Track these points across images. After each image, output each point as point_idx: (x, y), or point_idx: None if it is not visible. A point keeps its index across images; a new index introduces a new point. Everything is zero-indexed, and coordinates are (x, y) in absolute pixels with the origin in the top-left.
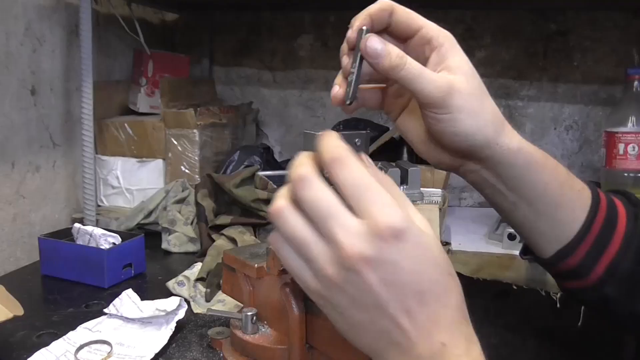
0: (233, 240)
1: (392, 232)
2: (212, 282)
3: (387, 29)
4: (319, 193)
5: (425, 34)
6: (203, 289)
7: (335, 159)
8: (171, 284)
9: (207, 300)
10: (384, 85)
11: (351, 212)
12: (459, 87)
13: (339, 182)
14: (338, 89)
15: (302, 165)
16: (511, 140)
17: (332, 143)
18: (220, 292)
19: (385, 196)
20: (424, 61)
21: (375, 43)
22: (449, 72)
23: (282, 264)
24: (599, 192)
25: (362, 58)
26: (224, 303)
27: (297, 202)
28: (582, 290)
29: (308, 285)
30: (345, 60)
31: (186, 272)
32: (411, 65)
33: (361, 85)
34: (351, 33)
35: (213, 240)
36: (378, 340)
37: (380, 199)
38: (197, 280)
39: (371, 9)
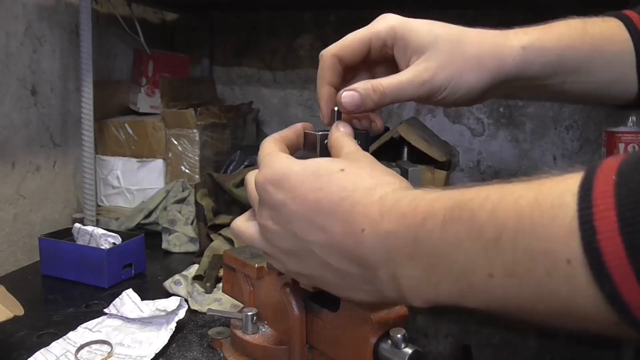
0: (230, 241)
1: (282, 171)
2: (211, 275)
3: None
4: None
5: (373, 47)
6: (200, 288)
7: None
8: (168, 283)
9: (208, 293)
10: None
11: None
12: (435, 66)
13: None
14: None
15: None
16: (520, 41)
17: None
18: (217, 289)
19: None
20: (393, 63)
21: (349, 97)
22: (417, 57)
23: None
24: (622, 13)
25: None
26: (220, 302)
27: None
28: None
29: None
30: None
31: (183, 272)
32: (389, 84)
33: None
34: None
35: (212, 240)
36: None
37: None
38: (194, 278)
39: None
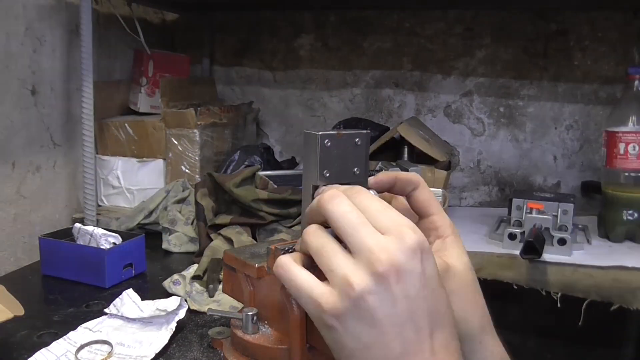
0: (230, 241)
1: (420, 246)
2: (212, 277)
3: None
4: (350, 207)
5: (435, 220)
6: (199, 287)
7: (350, 190)
8: (167, 283)
9: (211, 296)
10: None
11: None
12: (455, 272)
13: (358, 205)
14: None
15: (332, 190)
16: (494, 346)
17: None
18: (216, 290)
19: (403, 218)
20: None
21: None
22: (449, 260)
23: (290, 286)
24: None
25: None
26: (219, 303)
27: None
28: None
29: (321, 301)
30: None
31: (182, 272)
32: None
33: None
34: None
35: (211, 240)
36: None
37: (401, 219)
38: (193, 278)
39: (401, 174)
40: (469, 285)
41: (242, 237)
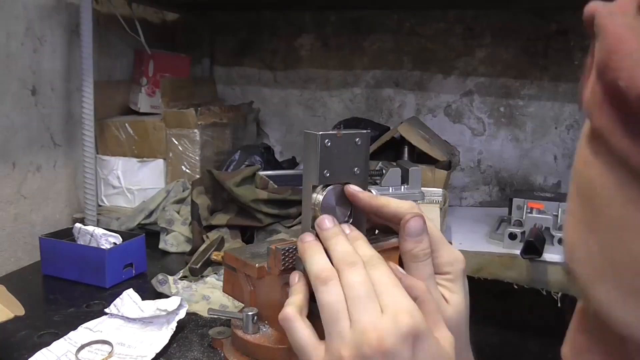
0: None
1: (413, 332)
2: (200, 258)
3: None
4: (362, 278)
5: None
6: (188, 283)
7: (371, 260)
8: (154, 282)
9: (195, 275)
10: None
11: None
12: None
13: (372, 276)
14: None
15: (349, 255)
16: None
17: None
18: (205, 284)
19: (406, 298)
20: None
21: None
22: (449, 304)
23: (291, 339)
24: None
25: None
26: (209, 300)
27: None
28: None
29: None
30: None
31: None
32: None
33: None
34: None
35: (203, 241)
36: None
37: (403, 300)
38: (182, 279)
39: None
40: (457, 326)
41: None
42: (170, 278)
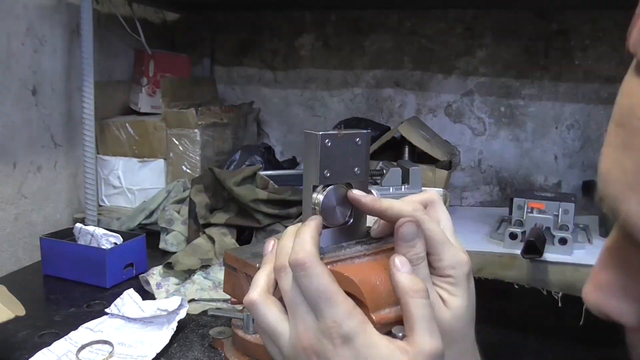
0: (213, 240)
1: (345, 334)
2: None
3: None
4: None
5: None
6: (175, 279)
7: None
8: (141, 280)
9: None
10: None
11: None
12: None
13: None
14: None
15: (300, 252)
16: None
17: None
18: (192, 282)
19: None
20: None
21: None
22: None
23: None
24: None
25: None
26: (199, 303)
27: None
28: None
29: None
30: None
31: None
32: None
33: None
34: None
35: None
36: None
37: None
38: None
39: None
40: (460, 331)
41: (225, 239)
42: (153, 278)
